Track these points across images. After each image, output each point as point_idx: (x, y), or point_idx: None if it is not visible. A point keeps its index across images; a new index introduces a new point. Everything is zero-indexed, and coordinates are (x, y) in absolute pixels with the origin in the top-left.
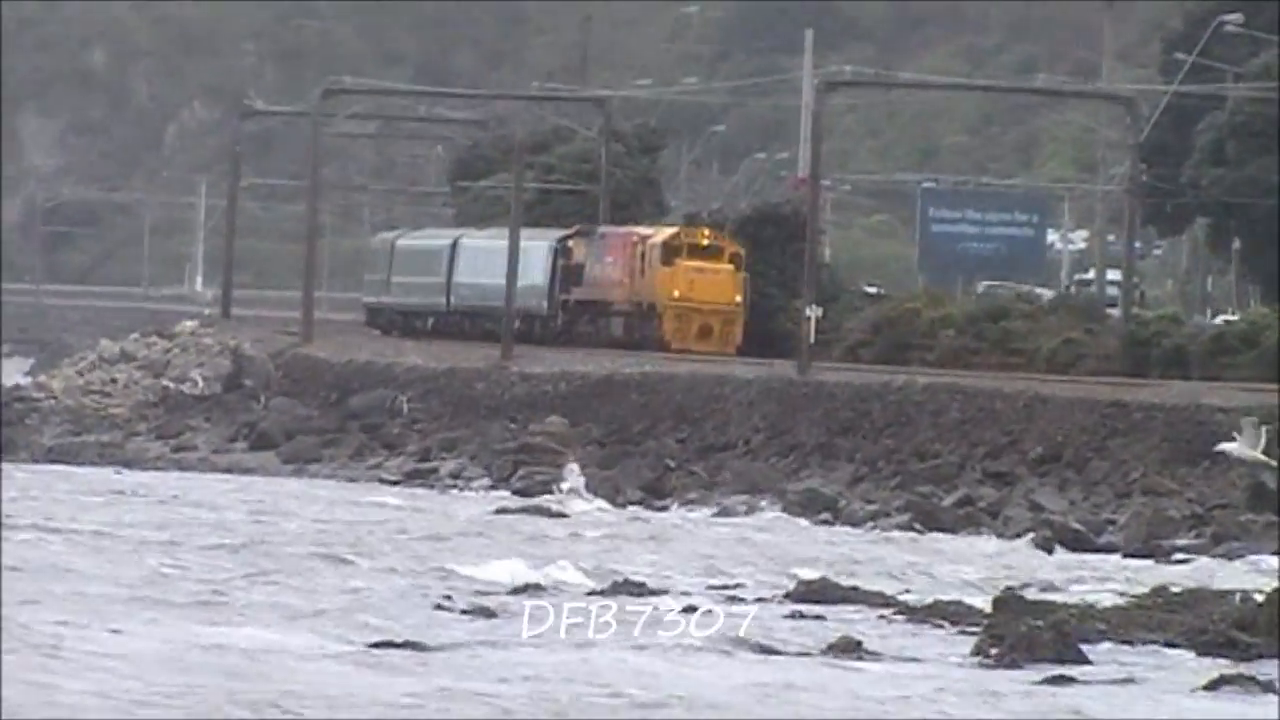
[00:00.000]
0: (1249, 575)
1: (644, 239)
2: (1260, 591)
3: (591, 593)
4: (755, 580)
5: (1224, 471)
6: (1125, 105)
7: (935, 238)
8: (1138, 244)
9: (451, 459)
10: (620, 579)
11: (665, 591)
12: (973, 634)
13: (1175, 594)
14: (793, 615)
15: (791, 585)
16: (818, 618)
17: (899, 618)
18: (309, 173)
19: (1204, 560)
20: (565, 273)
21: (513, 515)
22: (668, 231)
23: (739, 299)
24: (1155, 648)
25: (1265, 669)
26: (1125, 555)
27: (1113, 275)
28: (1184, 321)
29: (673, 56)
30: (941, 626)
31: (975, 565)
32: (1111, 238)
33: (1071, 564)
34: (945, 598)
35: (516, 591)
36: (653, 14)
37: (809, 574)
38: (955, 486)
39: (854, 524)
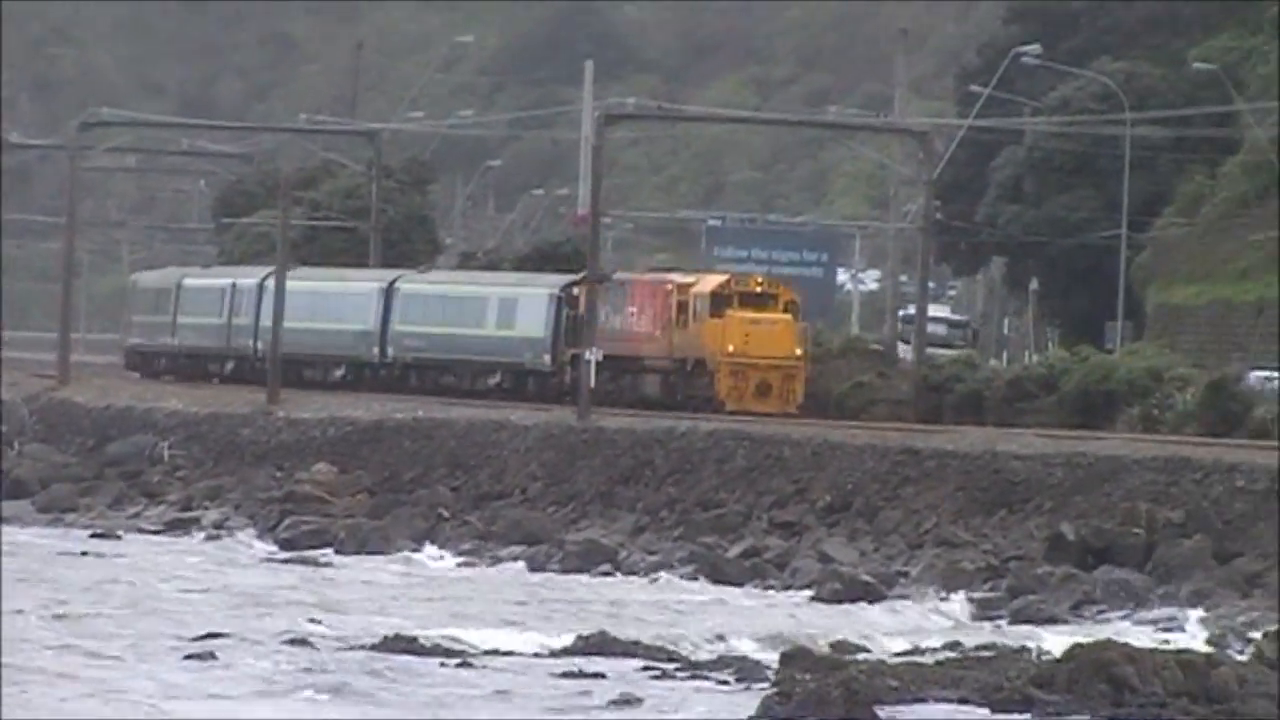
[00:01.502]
0: (1044, 630)
1: (683, 287)
2: (1054, 648)
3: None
4: (532, 636)
5: (1021, 521)
6: (919, 140)
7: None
8: (932, 283)
9: (215, 508)
10: (391, 634)
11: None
12: (760, 690)
13: (970, 649)
14: (568, 674)
15: (570, 640)
16: (596, 675)
17: (681, 673)
18: (66, 208)
19: (1001, 614)
20: (573, 324)
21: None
22: (714, 279)
23: (799, 351)
24: (949, 705)
25: None
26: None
27: (936, 312)
28: (979, 365)
29: (447, 88)
30: (727, 683)
31: (762, 618)
32: (905, 277)
33: (862, 617)
34: (730, 653)
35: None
36: (427, 43)
37: (588, 628)
38: (741, 536)
39: (635, 575)
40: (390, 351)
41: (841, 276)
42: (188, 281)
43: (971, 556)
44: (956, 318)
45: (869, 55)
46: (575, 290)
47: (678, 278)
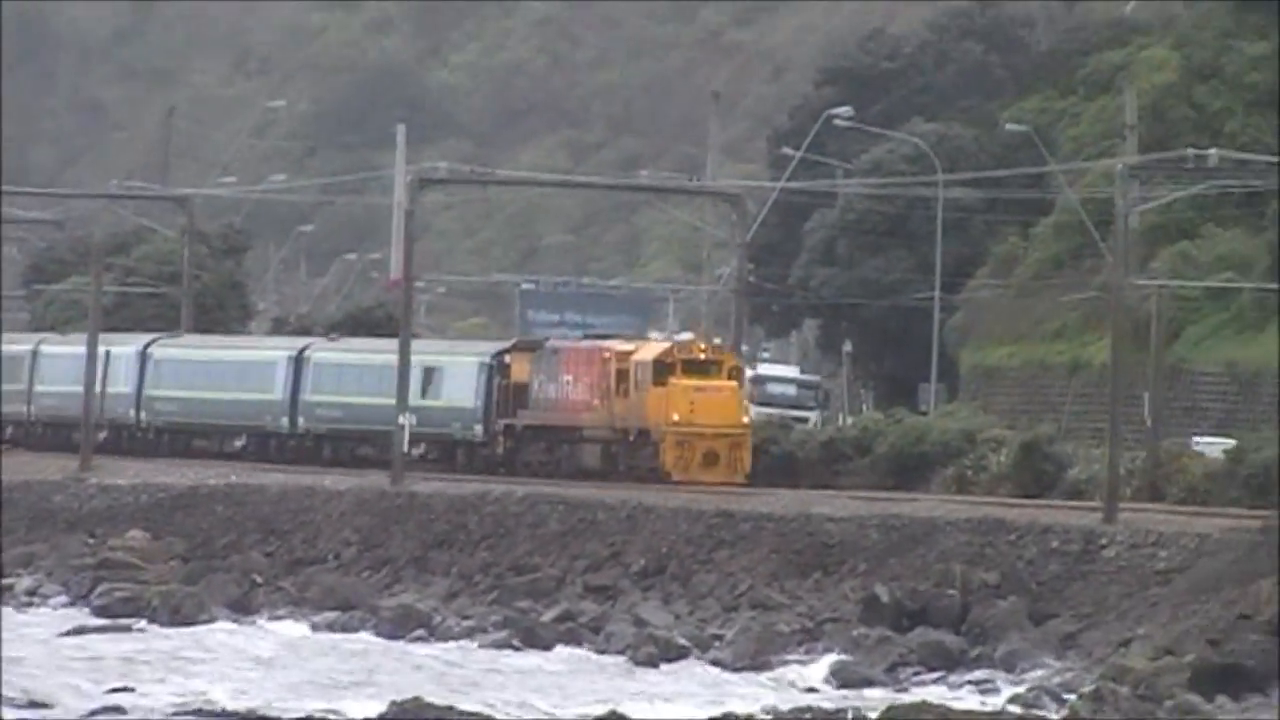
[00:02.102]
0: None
1: (622, 354)
2: (873, 709)
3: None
4: (348, 704)
5: (836, 583)
6: (732, 202)
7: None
8: (745, 345)
9: (28, 575)
10: (218, 707)
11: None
12: None
13: (785, 713)
14: None
15: (384, 707)
16: None
17: None
18: None
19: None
20: (505, 393)
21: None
22: (655, 346)
23: (746, 420)
24: None
25: None
26: (734, 670)
27: (786, 373)
28: (792, 427)
29: (259, 153)
30: None
31: (577, 683)
32: (718, 340)
33: (677, 681)
34: (545, 718)
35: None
36: (238, 109)
37: (402, 695)
38: (556, 601)
39: (450, 640)
40: (301, 421)
41: (655, 338)
42: (46, 349)
43: (787, 619)
44: (806, 378)
45: (681, 119)
46: (507, 358)
47: (616, 345)
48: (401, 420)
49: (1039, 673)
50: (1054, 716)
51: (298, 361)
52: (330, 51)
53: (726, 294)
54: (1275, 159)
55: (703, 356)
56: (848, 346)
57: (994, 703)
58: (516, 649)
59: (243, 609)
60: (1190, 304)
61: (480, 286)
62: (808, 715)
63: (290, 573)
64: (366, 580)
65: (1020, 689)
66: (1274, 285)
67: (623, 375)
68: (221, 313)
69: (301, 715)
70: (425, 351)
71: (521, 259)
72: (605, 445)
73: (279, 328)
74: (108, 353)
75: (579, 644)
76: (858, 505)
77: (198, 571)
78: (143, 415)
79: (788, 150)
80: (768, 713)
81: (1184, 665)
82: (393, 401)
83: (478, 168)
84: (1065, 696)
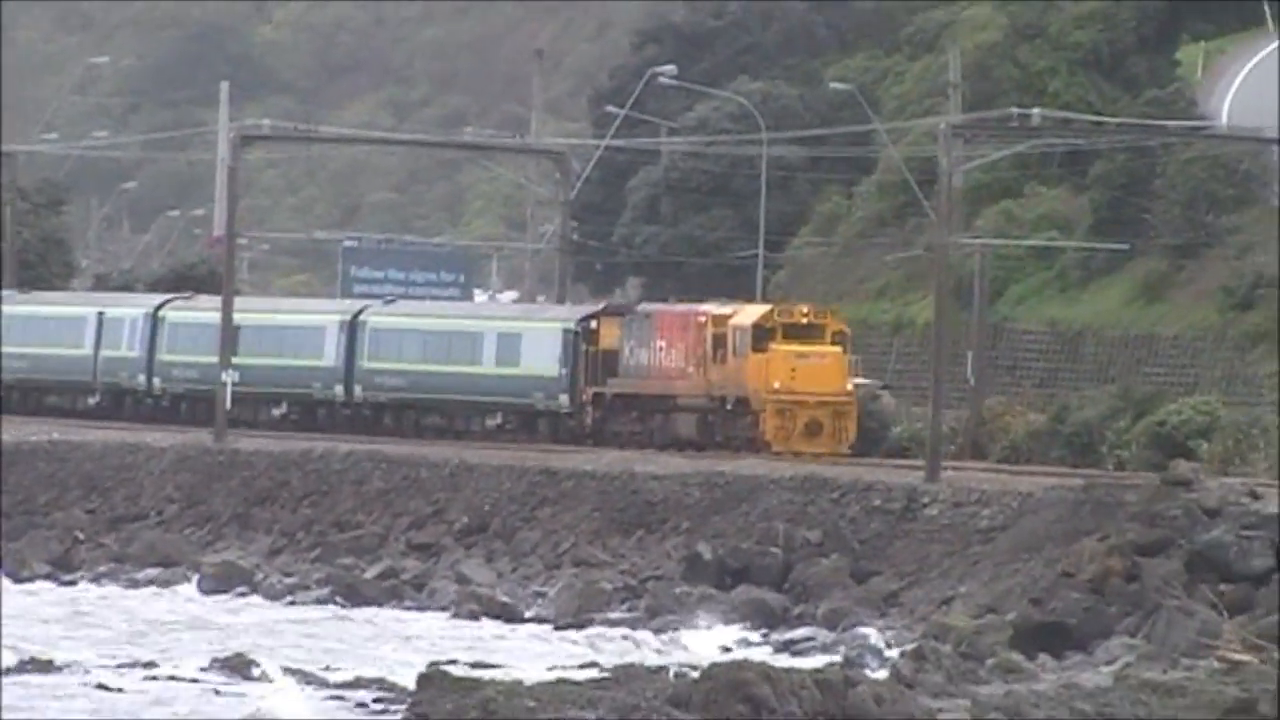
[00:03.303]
0: (684, 649)
1: (719, 319)
2: (695, 666)
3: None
4: (170, 656)
5: (659, 541)
6: (556, 160)
7: (357, 297)
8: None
9: None
10: (28, 657)
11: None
12: (398, 712)
13: (608, 669)
14: (211, 691)
15: (207, 662)
16: (238, 695)
17: (320, 694)
18: None
19: (641, 633)
20: (594, 360)
21: None
22: (755, 309)
23: (850, 386)
24: None
25: None
26: (557, 627)
27: None
28: None
29: (82, 109)
30: (364, 705)
31: (399, 639)
32: (541, 297)
33: (500, 637)
34: (367, 674)
35: None
36: (60, 64)
37: (228, 650)
38: (378, 558)
39: (273, 598)
40: (359, 391)
41: (479, 297)
42: (7, 309)
43: (609, 576)
44: None
45: (505, 76)
46: (594, 324)
47: (712, 308)
48: (224, 378)
49: (860, 630)
50: (876, 674)
51: (352, 327)
52: (155, 8)
53: (550, 252)
54: (1098, 118)
55: (805, 321)
56: (671, 302)
57: (816, 660)
58: (341, 605)
59: (64, 566)
60: (1013, 263)
61: (303, 244)
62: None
63: (112, 530)
64: (189, 537)
65: (842, 646)
66: (1096, 244)
67: (720, 340)
68: (44, 268)
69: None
70: (501, 316)
71: (345, 216)
72: (701, 415)
73: (101, 284)
74: (100, 315)
75: (402, 600)
76: (680, 463)
77: (18, 528)
78: (156, 381)
79: (612, 108)
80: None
81: (1006, 623)
82: (462, 369)
83: (301, 125)
84: (887, 654)
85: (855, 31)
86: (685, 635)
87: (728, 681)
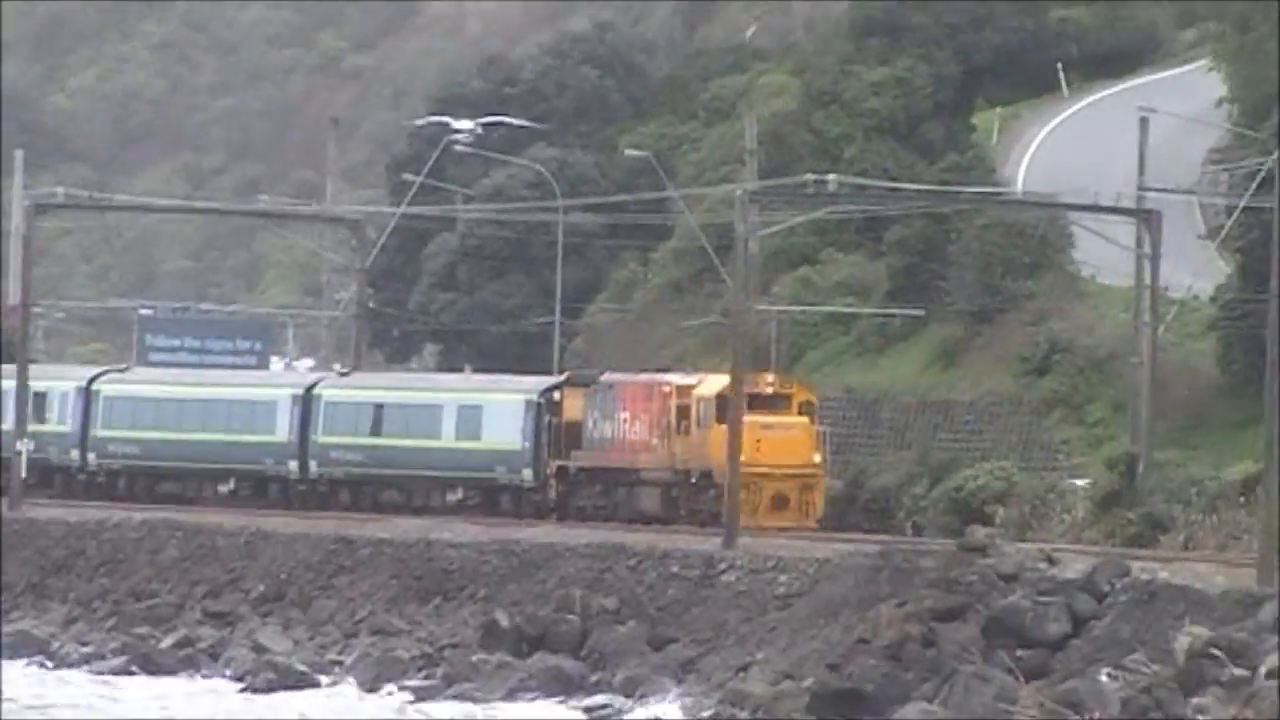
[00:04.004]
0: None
1: (683, 389)
2: None
3: None
4: None
5: (456, 609)
6: (351, 228)
7: (154, 366)
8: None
9: None
10: None
11: None
12: None
13: None
14: None
15: None
16: None
17: None
18: None
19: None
20: (557, 432)
21: None
22: (718, 379)
23: (818, 459)
24: None
25: None
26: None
27: None
28: None
29: None
30: None
31: (190, 710)
32: (337, 365)
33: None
34: None
35: None
36: None
37: None
38: (174, 627)
39: (69, 667)
40: (314, 466)
41: (275, 365)
42: None
43: (406, 645)
44: None
45: (301, 144)
46: (557, 395)
47: (676, 379)
48: (19, 446)
49: (658, 697)
50: None
51: (305, 400)
52: None
53: (347, 319)
54: (894, 184)
55: (770, 390)
56: (468, 371)
57: None
58: (136, 674)
59: None
60: (810, 329)
61: (99, 312)
62: None
63: None
64: None
65: (640, 714)
66: (893, 310)
67: (684, 412)
68: None
69: None
70: (462, 388)
71: (141, 284)
72: (665, 488)
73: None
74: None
75: (198, 669)
76: (477, 531)
77: None
78: (90, 456)
79: (408, 176)
80: None
81: (803, 690)
82: (423, 443)
83: (95, 193)
84: None
85: (651, 98)
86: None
87: None
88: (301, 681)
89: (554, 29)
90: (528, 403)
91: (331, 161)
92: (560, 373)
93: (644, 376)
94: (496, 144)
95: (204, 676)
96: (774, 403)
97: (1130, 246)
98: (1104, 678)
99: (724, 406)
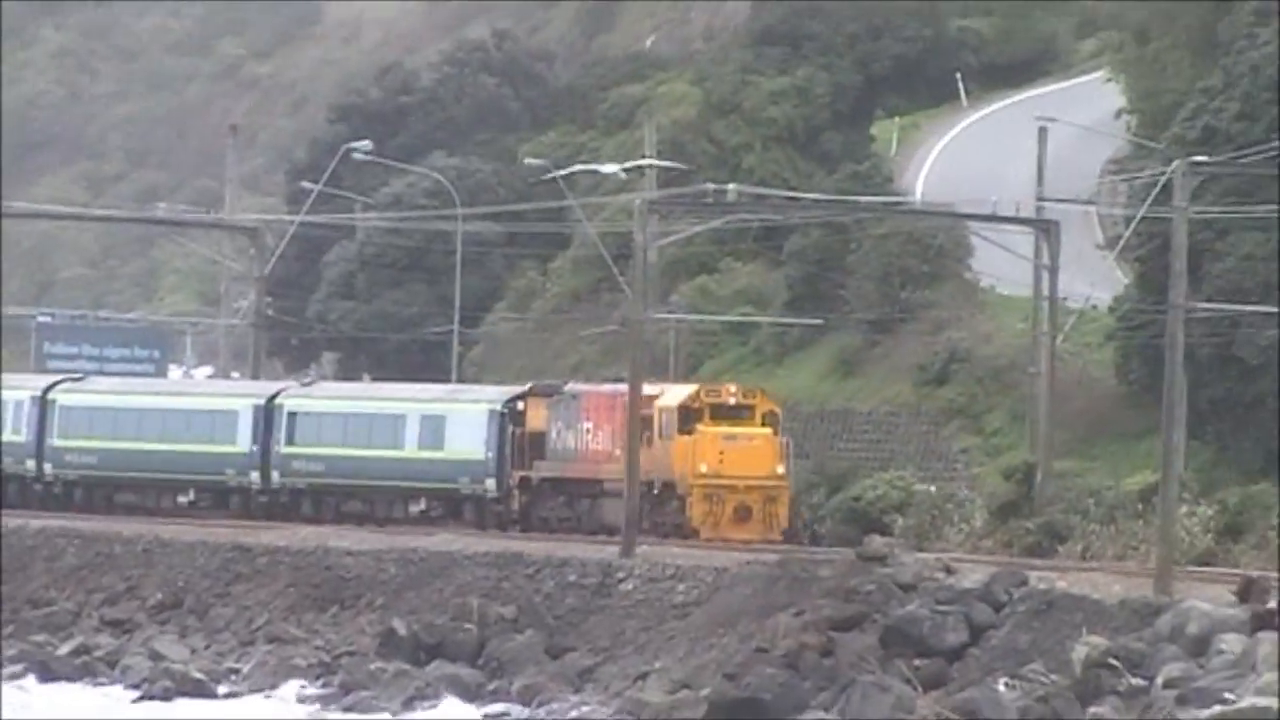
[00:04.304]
0: None
1: (645, 399)
2: None
3: None
4: None
5: (353, 618)
6: (250, 236)
7: (52, 373)
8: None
9: None
10: None
11: None
12: None
13: None
14: None
15: None
16: None
17: None
18: None
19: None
20: (520, 442)
21: None
22: (681, 390)
23: (781, 469)
24: None
25: None
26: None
27: None
28: None
29: None
30: None
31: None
32: (236, 373)
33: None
34: None
35: None
36: None
37: None
38: (71, 634)
39: None
40: (276, 477)
41: (174, 372)
42: None
43: (304, 653)
44: None
45: (200, 152)
46: (521, 404)
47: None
48: None
49: (555, 706)
50: None
51: (268, 410)
52: None
53: (245, 327)
54: (793, 194)
55: (733, 401)
56: (366, 379)
57: None
58: (35, 682)
59: None
60: (709, 338)
61: None
62: None
63: None
64: None
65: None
66: (791, 319)
67: (646, 422)
68: None
69: None
70: (424, 398)
71: (38, 292)
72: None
73: None
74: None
75: (95, 677)
76: (376, 539)
77: None
78: (46, 467)
79: (307, 184)
80: None
81: (701, 699)
82: (386, 453)
83: None
84: None
85: (550, 107)
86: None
87: None
88: (198, 689)
89: (452, 37)
90: (491, 412)
91: (230, 169)
92: (460, 382)
93: (608, 387)
94: (395, 152)
95: (100, 684)
96: (737, 413)
97: (1029, 257)
98: (1002, 687)
99: (686, 416)
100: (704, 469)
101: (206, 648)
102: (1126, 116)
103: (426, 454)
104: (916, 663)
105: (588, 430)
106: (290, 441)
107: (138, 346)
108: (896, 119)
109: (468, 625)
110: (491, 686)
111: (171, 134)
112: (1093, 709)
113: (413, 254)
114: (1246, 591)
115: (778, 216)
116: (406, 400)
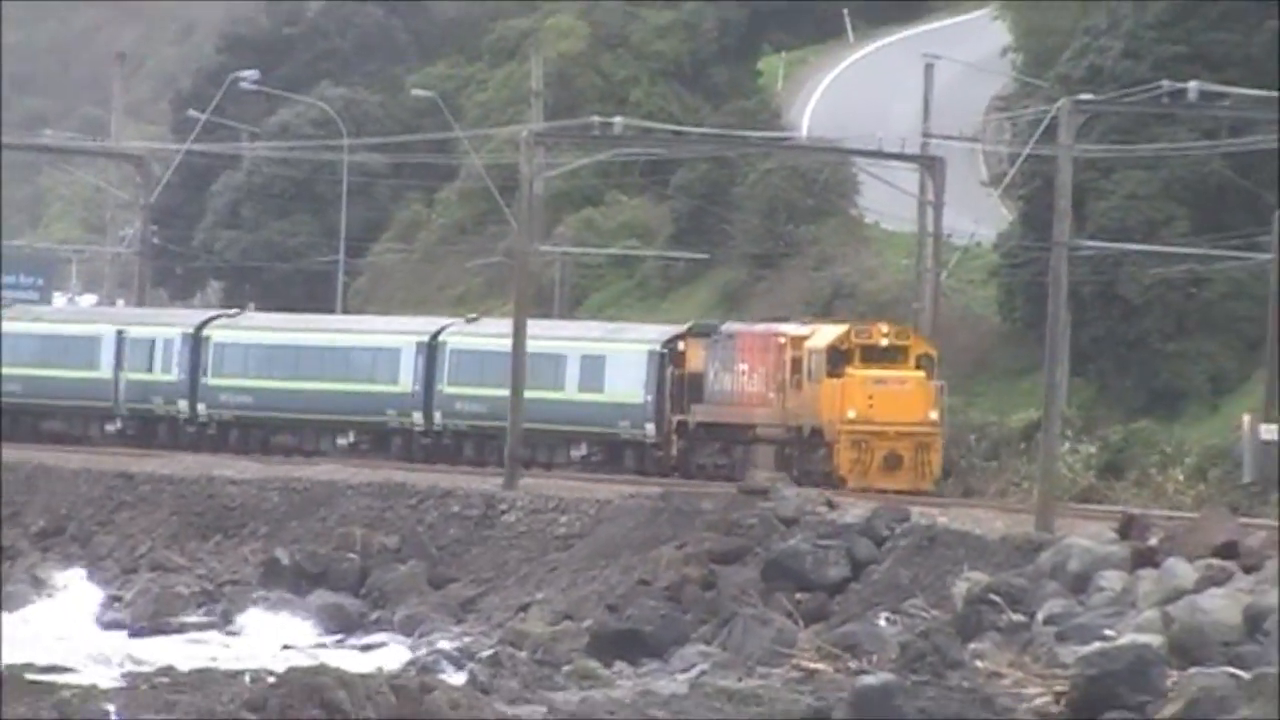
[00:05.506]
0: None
1: (796, 339)
2: (271, 671)
3: None
4: None
5: (236, 546)
6: (136, 164)
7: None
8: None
9: None
10: None
11: None
12: None
13: (184, 674)
14: None
15: None
16: None
17: None
18: None
19: (215, 636)
20: (679, 385)
21: None
22: (831, 330)
23: (935, 415)
24: None
25: None
26: (132, 634)
27: None
28: None
29: None
30: None
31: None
32: (121, 301)
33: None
34: None
35: None
36: None
37: None
38: None
39: None
40: (438, 418)
41: (59, 300)
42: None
43: (187, 581)
44: None
45: (86, 79)
46: (681, 345)
47: (791, 329)
48: None
49: (437, 636)
50: (453, 680)
51: (430, 349)
52: None
53: (130, 256)
54: (679, 128)
55: (885, 342)
56: (251, 308)
57: (392, 665)
58: None
59: None
60: (594, 271)
61: None
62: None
63: None
64: None
65: (419, 652)
66: (676, 254)
67: (796, 365)
68: None
69: None
70: (584, 337)
71: None
72: (779, 446)
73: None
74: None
75: None
76: (259, 468)
77: None
78: (200, 407)
79: (193, 113)
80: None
81: (582, 630)
82: (545, 395)
83: None
84: (464, 661)
85: (438, 38)
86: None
87: (304, 686)
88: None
89: None
90: (650, 353)
91: (117, 97)
92: (343, 314)
93: (761, 326)
94: (282, 82)
95: None
96: (889, 355)
97: (914, 193)
98: (882, 622)
99: (835, 359)
100: (852, 415)
101: (89, 576)
102: (1012, 54)
103: (587, 396)
104: (798, 596)
105: (743, 372)
106: (453, 382)
107: (22, 274)
108: (783, 54)
109: (351, 555)
110: (374, 616)
111: (57, 62)
112: (973, 644)
113: (299, 184)
114: (1127, 528)
115: (664, 151)
116: (567, 339)
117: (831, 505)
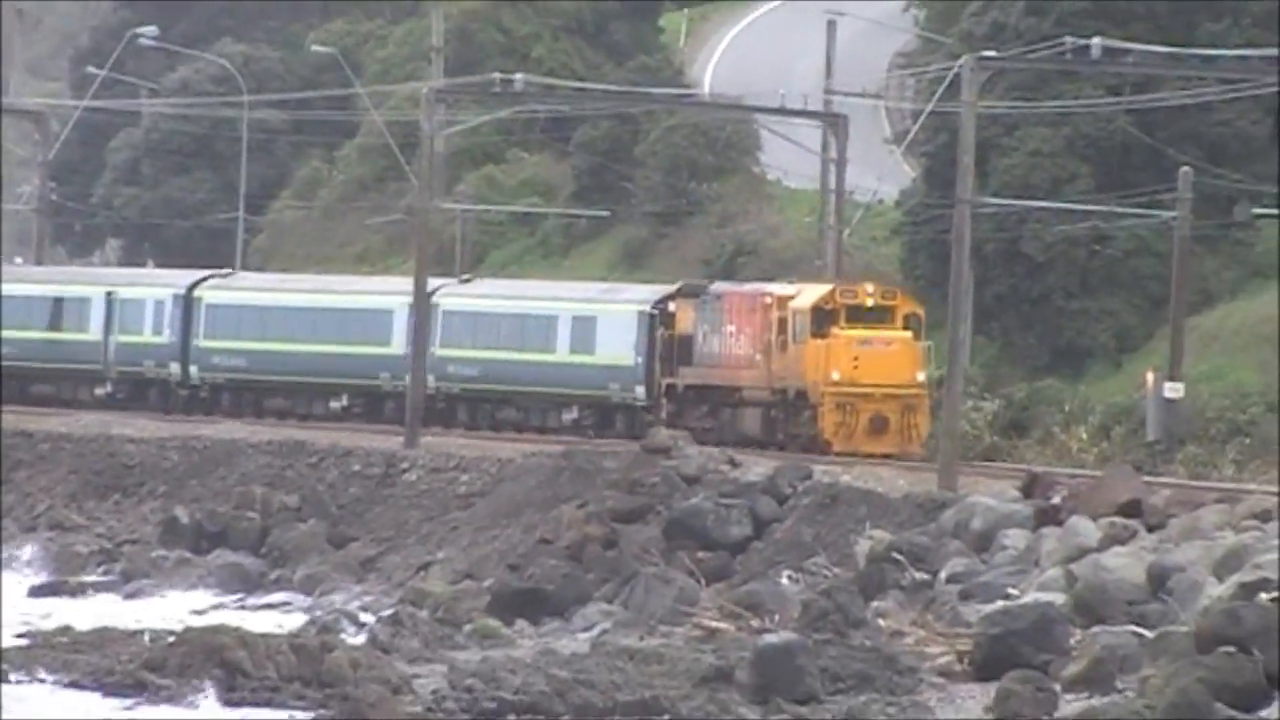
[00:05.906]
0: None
1: (781, 299)
2: (171, 631)
3: None
4: None
5: (135, 505)
6: (34, 120)
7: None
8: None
9: None
10: None
11: None
12: None
13: (82, 633)
14: None
15: None
16: None
17: None
18: None
19: (112, 597)
20: (668, 346)
21: None
22: (816, 289)
23: (922, 376)
24: (61, 689)
25: (170, 712)
26: (31, 594)
27: None
28: None
29: None
30: None
31: None
32: (19, 259)
33: None
34: None
35: None
36: None
37: None
38: None
39: None
40: (431, 381)
41: None
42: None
43: (85, 540)
44: None
45: None
46: (671, 306)
47: (776, 288)
48: None
49: (338, 595)
50: (353, 639)
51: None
52: None
53: (28, 213)
54: (581, 85)
55: (871, 302)
56: (150, 266)
57: (292, 625)
58: None
59: None
60: (495, 228)
61: None
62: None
63: None
64: None
65: (319, 612)
66: (578, 211)
67: (782, 325)
68: None
69: None
70: (573, 297)
71: None
72: (765, 409)
73: None
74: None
75: None
76: (158, 427)
77: None
78: (192, 370)
79: (92, 69)
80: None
81: (483, 589)
82: (534, 357)
83: None
84: (364, 620)
85: None
86: (159, 598)
87: (203, 645)
88: None
89: None
90: (640, 314)
91: (15, 53)
92: (242, 269)
93: (749, 286)
94: (181, 38)
95: None
96: (876, 315)
97: (816, 150)
98: (785, 580)
99: (820, 319)
100: (836, 376)
101: None
102: (915, 10)
103: (578, 359)
104: (700, 555)
105: (730, 333)
106: (446, 344)
107: None
108: (685, 10)
109: (250, 514)
110: (274, 575)
111: None
112: (875, 603)
113: (198, 141)
114: (1030, 487)
115: (566, 107)
116: (558, 300)
117: (734, 464)
